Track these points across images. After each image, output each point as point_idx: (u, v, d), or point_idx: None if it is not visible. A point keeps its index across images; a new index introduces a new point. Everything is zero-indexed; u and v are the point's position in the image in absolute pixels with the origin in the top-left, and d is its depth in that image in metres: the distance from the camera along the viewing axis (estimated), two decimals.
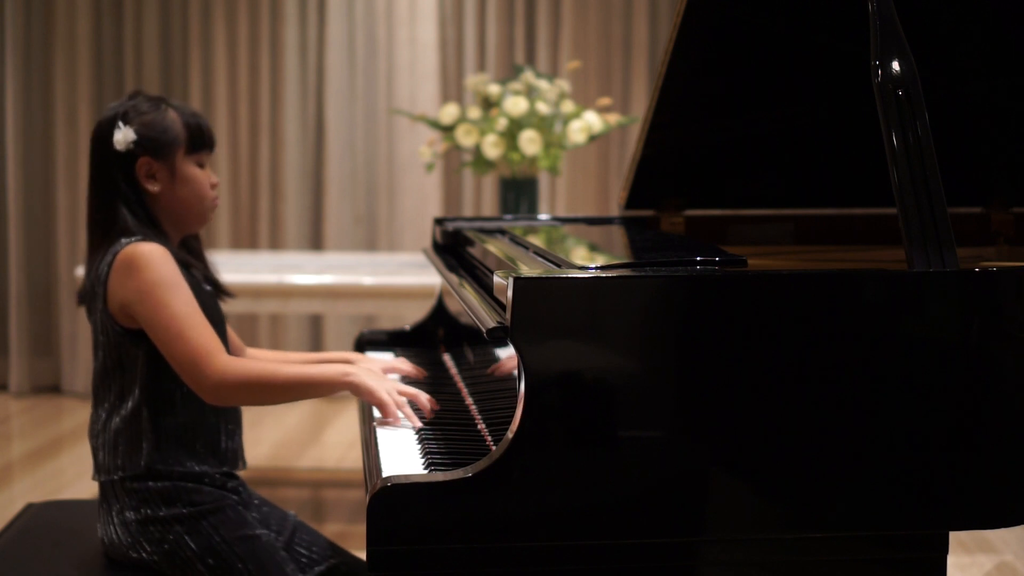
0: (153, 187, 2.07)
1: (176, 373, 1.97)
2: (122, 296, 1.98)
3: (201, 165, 2.11)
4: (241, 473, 2.14)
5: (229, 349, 2.18)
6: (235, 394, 1.96)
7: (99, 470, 2.06)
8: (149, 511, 1.99)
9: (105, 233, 2.05)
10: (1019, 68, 2.34)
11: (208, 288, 2.14)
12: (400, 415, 1.90)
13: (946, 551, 1.67)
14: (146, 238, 2.02)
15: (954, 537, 1.88)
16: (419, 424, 1.89)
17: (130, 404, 2.01)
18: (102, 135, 2.07)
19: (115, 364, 2.03)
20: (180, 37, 5.64)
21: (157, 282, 1.96)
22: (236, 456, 2.12)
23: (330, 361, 2.27)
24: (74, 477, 4.33)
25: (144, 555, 1.99)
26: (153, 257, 1.98)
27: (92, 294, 2.04)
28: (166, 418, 2.01)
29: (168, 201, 2.09)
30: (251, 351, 2.30)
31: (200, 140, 2.11)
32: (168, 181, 2.08)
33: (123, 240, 2.01)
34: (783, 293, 1.60)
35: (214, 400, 1.96)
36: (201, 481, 2.02)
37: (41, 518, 2.25)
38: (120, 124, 2.05)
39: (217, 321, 2.10)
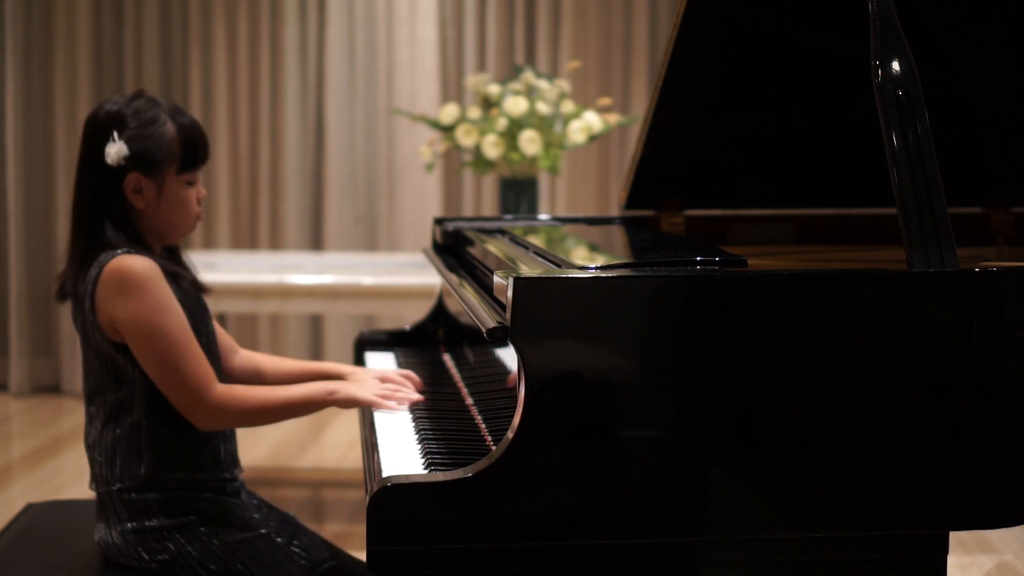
0: (139, 203, 2.02)
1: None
2: (111, 313, 1.94)
3: (191, 182, 2.06)
4: (241, 474, 2.14)
5: (220, 353, 2.17)
6: (226, 423, 2.02)
7: (96, 480, 2.04)
8: (148, 522, 1.98)
9: (88, 238, 2.00)
10: (1019, 68, 2.34)
11: (197, 293, 2.10)
12: (397, 402, 2.04)
13: (946, 551, 1.67)
14: (131, 251, 1.97)
15: (954, 537, 1.88)
16: (417, 398, 2.06)
17: (130, 419, 1.99)
18: (95, 140, 2.01)
19: (111, 378, 2.00)
20: (180, 37, 5.64)
21: (152, 306, 1.93)
22: (234, 459, 2.11)
23: (324, 373, 2.26)
24: (74, 477, 4.33)
25: (142, 564, 1.98)
26: (146, 277, 1.93)
27: (78, 305, 2.00)
28: (168, 431, 2.00)
29: (151, 217, 2.04)
30: (244, 353, 2.27)
31: (193, 159, 2.05)
32: (154, 198, 2.02)
33: (109, 252, 1.96)
34: (783, 293, 1.60)
35: (206, 428, 2.01)
36: (201, 489, 2.01)
37: (41, 518, 2.25)
38: (115, 136, 1.98)
39: (206, 331, 2.08)
